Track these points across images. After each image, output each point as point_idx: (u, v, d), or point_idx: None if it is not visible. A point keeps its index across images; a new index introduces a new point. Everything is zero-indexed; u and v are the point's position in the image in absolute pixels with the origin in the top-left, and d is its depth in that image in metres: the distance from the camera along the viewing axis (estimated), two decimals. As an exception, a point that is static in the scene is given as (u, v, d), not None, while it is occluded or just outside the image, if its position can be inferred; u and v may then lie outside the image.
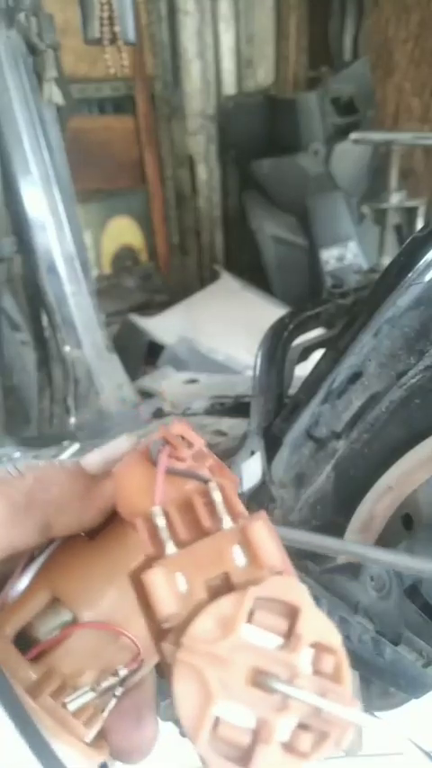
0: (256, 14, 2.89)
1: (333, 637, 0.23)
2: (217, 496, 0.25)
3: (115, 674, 0.29)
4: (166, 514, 0.25)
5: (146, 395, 1.44)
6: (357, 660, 0.55)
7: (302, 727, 0.22)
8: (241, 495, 0.63)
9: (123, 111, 3.09)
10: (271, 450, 0.62)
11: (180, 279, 3.25)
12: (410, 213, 2.39)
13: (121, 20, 1.14)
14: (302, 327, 0.75)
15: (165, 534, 0.24)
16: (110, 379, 1.37)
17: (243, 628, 0.22)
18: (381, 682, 0.57)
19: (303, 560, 0.57)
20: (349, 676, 0.23)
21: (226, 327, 2.38)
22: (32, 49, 1.17)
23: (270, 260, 2.78)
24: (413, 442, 0.49)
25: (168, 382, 1.48)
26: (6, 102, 1.17)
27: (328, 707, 0.22)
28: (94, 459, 0.30)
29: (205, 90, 2.86)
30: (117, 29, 1.15)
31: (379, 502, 0.53)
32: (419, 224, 2.39)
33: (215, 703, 0.22)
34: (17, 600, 0.29)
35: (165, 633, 0.23)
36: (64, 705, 0.27)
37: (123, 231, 3.22)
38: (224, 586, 0.23)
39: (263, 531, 0.24)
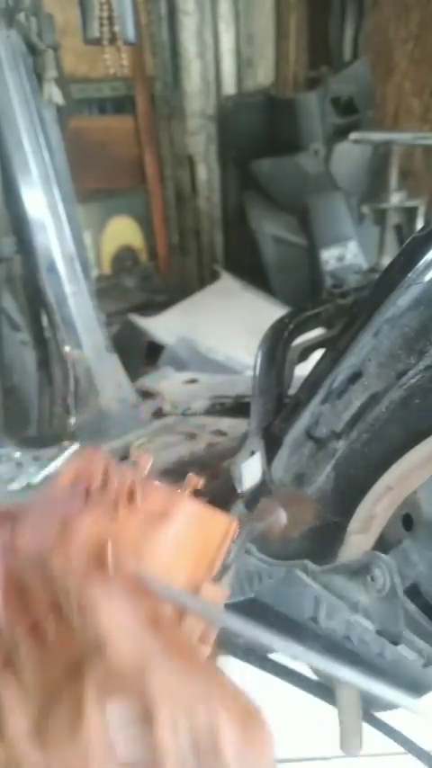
0: (256, 14, 2.89)
1: None
2: None
3: None
4: None
5: (146, 395, 1.44)
6: (358, 660, 0.55)
7: None
8: (241, 495, 0.64)
9: (123, 111, 3.09)
10: (271, 451, 0.62)
11: (180, 279, 3.25)
12: (410, 213, 2.40)
13: (121, 20, 1.14)
14: (302, 327, 0.75)
15: None
16: (110, 379, 1.37)
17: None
18: (381, 682, 0.57)
19: (303, 559, 0.57)
20: None
21: (226, 327, 2.38)
22: (32, 49, 1.17)
23: (270, 260, 2.77)
24: (413, 442, 0.49)
25: (168, 382, 1.48)
26: (6, 102, 1.17)
27: None
28: None
29: (205, 90, 2.86)
30: (117, 29, 1.15)
31: (379, 502, 0.53)
32: (419, 224, 2.39)
33: None
34: None
35: None
36: None
37: (123, 231, 3.22)
38: None
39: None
